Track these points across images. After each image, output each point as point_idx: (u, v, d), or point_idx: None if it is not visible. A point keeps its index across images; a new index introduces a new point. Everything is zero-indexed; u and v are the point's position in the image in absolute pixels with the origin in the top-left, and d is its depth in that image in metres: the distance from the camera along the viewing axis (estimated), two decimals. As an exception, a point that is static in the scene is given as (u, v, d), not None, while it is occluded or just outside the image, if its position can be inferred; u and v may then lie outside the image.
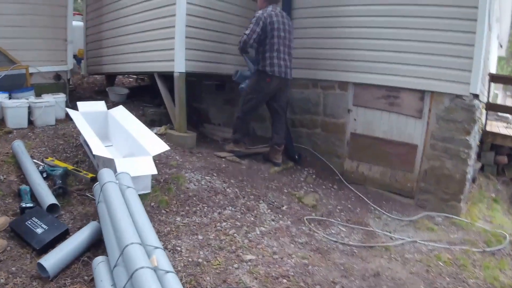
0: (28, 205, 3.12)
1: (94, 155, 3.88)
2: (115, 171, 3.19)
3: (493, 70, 8.76)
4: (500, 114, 8.57)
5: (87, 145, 4.10)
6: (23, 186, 3.37)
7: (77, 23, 7.98)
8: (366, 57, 5.26)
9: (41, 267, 2.43)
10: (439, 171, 4.81)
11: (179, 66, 5.21)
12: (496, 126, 7.15)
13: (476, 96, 4.62)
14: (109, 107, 5.12)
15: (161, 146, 3.83)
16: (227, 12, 5.84)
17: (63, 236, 2.83)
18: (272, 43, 4.91)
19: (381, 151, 5.29)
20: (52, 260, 2.47)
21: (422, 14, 4.77)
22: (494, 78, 7.00)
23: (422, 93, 4.90)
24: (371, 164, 5.41)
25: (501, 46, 10.48)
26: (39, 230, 2.78)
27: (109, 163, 3.41)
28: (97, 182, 3.08)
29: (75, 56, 8.25)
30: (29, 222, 2.84)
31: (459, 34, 4.56)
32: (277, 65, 4.93)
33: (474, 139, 4.81)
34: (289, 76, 5.09)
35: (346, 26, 5.45)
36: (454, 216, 4.57)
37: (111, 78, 8.05)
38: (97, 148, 3.48)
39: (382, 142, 5.28)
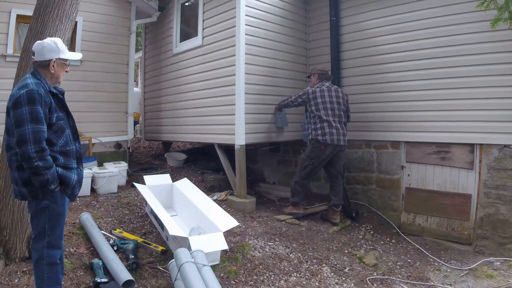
0: (102, 280, 3.21)
1: (163, 228, 4.01)
2: (188, 246, 3.29)
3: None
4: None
5: (154, 216, 4.25)
6: (96, 261, 3.47)
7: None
8: (416, 117, 5.49)
9: None
10: (494, 217, 4.91)
11: (239, 139, 5.48)
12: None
13: None
14: (168, 172, 5.27)
15: (231, 222, 3.94)
16: (283, 87, 6.17)
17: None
18: (320, 115, 5.20)
19: (436, 203, 5.41)
20: None
21: (468, 74, 5.00)
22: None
23: (471, 146, 5.10)
24: (427, 215, 5.50)
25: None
26: (117, 307, 2.86)
27: (183, 241, 3.54)
28: (173, 260, 3.17)
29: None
30: (107, 299, 2.92)
31: (505, 89, 4.75)
32: (329, 133, 5.15)
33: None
34: (342, 142, 5.25)
35: (393, 90, 5.69)
36: (511, 259, 4.58)
37: (167, 143, 8.34)
38: (173, 228, 3.61)
39: (437, 194, 5.41)
